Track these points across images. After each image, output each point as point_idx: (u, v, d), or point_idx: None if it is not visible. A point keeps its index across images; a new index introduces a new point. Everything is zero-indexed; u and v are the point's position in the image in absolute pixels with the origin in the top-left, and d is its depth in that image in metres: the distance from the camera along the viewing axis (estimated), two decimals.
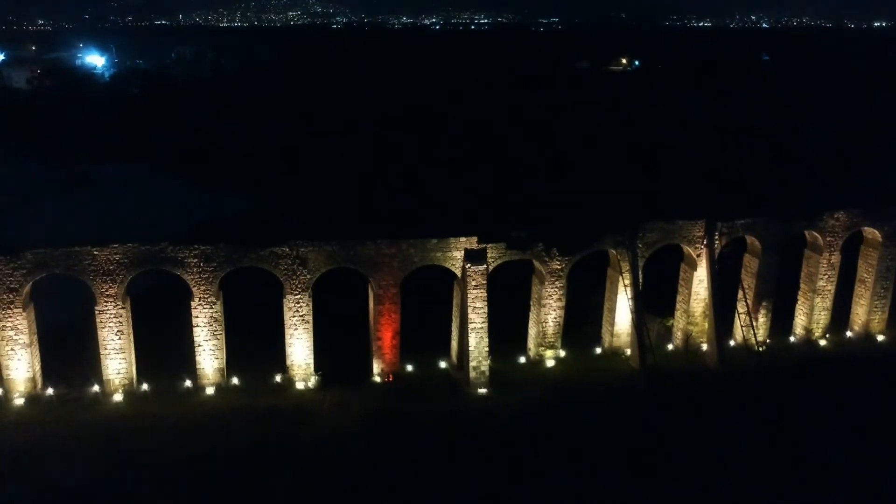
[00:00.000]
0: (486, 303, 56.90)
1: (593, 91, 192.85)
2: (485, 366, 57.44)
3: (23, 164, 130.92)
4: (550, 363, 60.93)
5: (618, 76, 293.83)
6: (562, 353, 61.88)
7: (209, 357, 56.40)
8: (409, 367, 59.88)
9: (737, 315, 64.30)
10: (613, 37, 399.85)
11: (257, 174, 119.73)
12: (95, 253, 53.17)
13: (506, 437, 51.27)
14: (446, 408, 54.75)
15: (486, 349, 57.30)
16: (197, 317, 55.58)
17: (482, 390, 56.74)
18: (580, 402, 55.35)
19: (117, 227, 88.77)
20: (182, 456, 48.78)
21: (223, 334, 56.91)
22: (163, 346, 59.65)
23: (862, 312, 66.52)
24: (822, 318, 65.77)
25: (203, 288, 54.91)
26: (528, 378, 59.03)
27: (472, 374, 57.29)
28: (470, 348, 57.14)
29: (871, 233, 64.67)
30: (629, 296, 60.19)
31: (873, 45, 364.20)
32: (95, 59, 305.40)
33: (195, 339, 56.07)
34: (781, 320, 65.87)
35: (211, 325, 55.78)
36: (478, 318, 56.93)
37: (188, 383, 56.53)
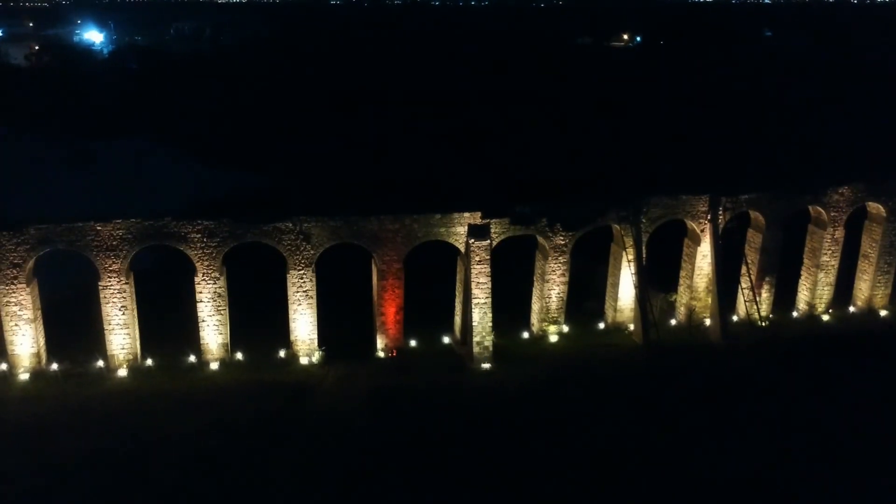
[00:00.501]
0: (489, 278, 56.85)
1: (596, 67, 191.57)
2: (488, 341, 57.48)
3: (24, 141, 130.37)
4: (554, 338, 60.99)
5: (619, 52, 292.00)
6: (565, 329, 61.93)
7: (213, 332, 56.42)
8: (413, 343, 59.94)
9: (740, 290, 64.28)
10: (614, 12, 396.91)
11: (260, 150, 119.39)
12: (98, 228, 53.03)
13: (509, 413, 51.41)
14: (450, 383, 54.87)
15: (490, 324, 57.31)
16: (201, 292, 55.54)
17: (486, 365, 56.83)
18: (583, 378, 55.47)
19: (120, 202, 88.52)
20: (186, 430, 48.98)
21: (227, 310, 56.89)
22: (167, 321, 59.66)
23: (865, 288, 66.53)
24: (825, 293, 65.75)
25: (206, 263, 54.83)
26: (532, 353, 59.11)
27: (476, 350, 57.35)
28: (473, 324, 57.16)
29: (876, 208, 64.53)
30: (633, 271, 60.14)
31: (877, 18, 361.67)
32: (94, 36, 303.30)
33: (199, 314, 56.07)
34: (784, 295, 65.89)
35: (214, 301, 55.76)
36: (481, 294, 56.90)
37: (192, 358, 56.59)
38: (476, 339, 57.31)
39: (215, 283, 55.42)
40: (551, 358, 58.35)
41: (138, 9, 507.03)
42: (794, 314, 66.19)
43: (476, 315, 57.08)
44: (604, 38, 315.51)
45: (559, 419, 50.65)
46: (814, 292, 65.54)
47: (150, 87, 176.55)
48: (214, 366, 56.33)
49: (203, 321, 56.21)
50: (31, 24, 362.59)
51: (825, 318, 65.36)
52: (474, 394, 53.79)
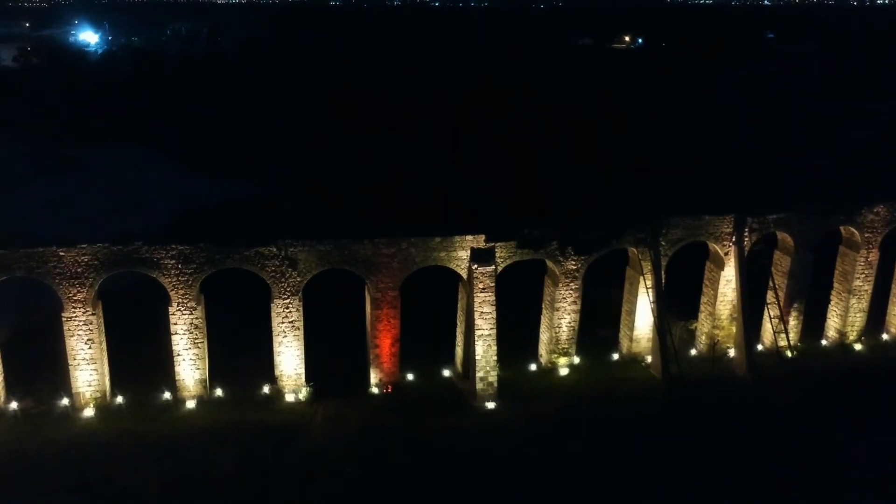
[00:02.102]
0: (494, 307, 51.73)
1: (602, 72, 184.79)
2: (493, 376, 52.32)
3: (6, 147, 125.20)
4: (564, 371, 55.85)
5: (621, 54, 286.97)
6: (576, 360, 56.79)
7: (190, 367, 51.27)
8: (410, 376, 54.84)
9: (766, 318, 59.21)
10: (615, 13, 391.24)
11: (253, 160, 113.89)
12: (61, 254, 47.85)
13: (516, 460, 46.26)
14: (451, 425, 49.66)
15: (494, 359, 52.16)
16: (175, 323, 50.39)
17: (490, 404, 51.65)
18: (597, 419, 50.27)
19: (102, 215, 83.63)
20: (159, 481, 43.83)
21: (205, 342, 51.77)
22: (141, 352, 54.55)
23: None
24: (857, 320, 60.59)
25: (182, 292, 49.66)
26: (540, 389, 53.96)
27: (480, 386, 52.19)
28: (477, 357, 51.99)
29: None
30: (651, 298, 54.99)
31: (877, 21, 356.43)
32: (89, 37, 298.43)
33: (174, 347, 50.92)
34: (812, 322, 60.82)
35: (191, 333, 50.60)
36: (485, 325, 51.74)
37: (167, 395, 51.44)
38: (479, 374, 52.16)
39: (191, 314, 50.25)
40: (561, 395, 53.16)
41: (137, 9, 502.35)
42: (823, 342, 61.04)
43: (479, 348, 51.92)
44: (605, 40, 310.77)
45: (569, 470, 45.41)
46: (845, 319, 60.38)
47: (142, 91, 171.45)
48: (191, 404, 51.15)
49: (178, 355, 51.05)
50: (27, 25, 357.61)
51: (857, 347, 60.13)
52: (477, 438, 48.57)
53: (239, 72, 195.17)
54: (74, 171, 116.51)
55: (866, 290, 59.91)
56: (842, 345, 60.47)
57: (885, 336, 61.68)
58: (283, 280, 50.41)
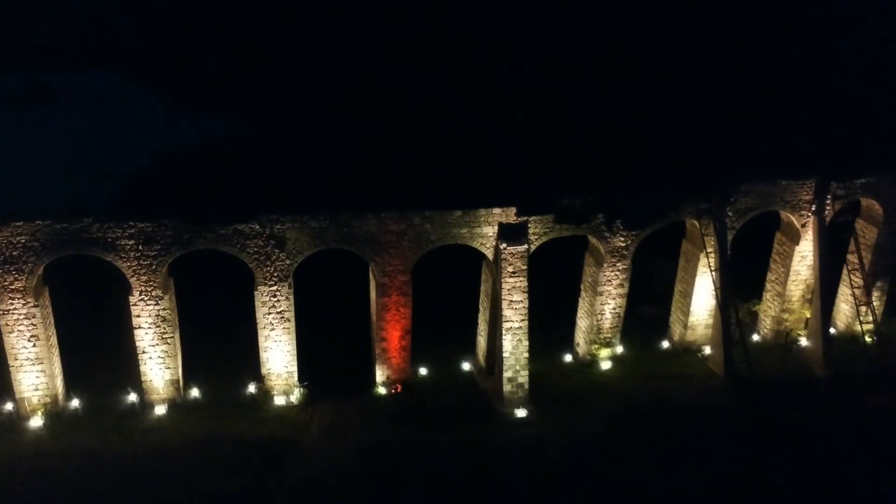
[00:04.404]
0: (526, 295, 42.48)
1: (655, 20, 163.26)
2: (523, 377, 43.48)
3: None
4: (606, 365, 47.04)
5: None
6: (619, 350, 47.89)
7: (158, 367, 42.40)
8: (423, 371, 46.14)
9: (843, 297, 50.19)
10: None
11: (249, 92, 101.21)
12: None
13: (551, 489, 37.58)
14: (472, 440, 40.81)
15: (526, 356, 43.23)
16: (138, 316, 41.33)
17: (521, 412, 42.87)
18: (650, 431, 41.43)
19: (64, 169, 73.38)
20: None
21: (176, 337, 42.86)
22: (102, 350, 45.59)
23: None
24: None
25: (145, 278, 40.40)
26: (579, 389, 45.13)
27: (508, 388, 43.41)
28: (504, 354, 43.06)
29: None
30: (714, 278, 45.71)
31: None
32: None
33: (138, 344, 41.96)
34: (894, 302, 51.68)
35: (158, 327, 41.57)
36: (515, 317, 42.60)
37: (133, 398, 42.75)
38: (507, 374, 43.32)
39: (157, 304, 41.11)
40: (605, 398, 44.31)
41: None
42: None
43: (508, 344, 42.91)
44: None
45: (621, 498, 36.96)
46: None
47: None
48: (161, 410, 42.51)
49: (143, 353, 42.14)
50: None
51: None
52: (504, 456, 39.89)
53: None
54: (49, 103, 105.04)
55: None
56: None
57: None
58: (268, 263, 41.12)
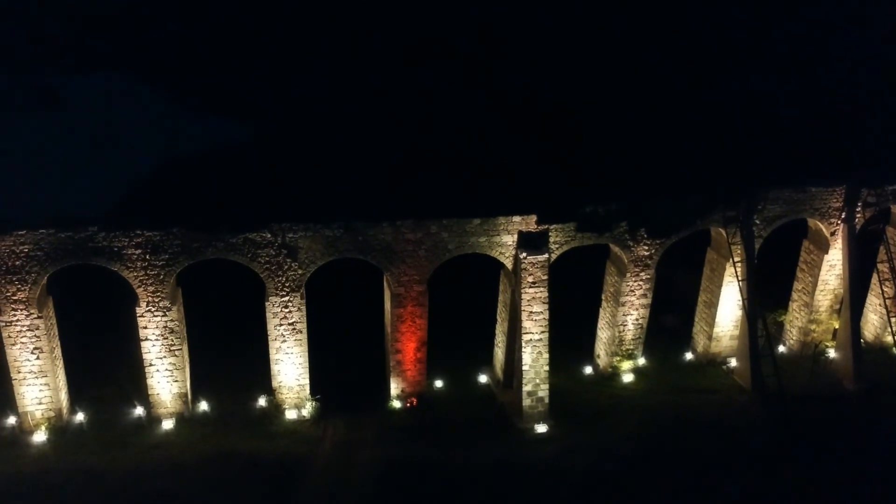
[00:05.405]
0: (546, 306, 40.95)
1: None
2: (543, 391, 41.97)
3: None
4: (628, 378, 45.48)
5: None
6: (641, 361, 46.34)
7: (165, 380, 40.97)
8: (439, 384, 44.69)
9: (872, 307, 48.66)
10: None
11: (258, 95, 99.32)
12: None
13: None
14: (490, 458, 39.20)
15: (546, 369, 41.70)
16: (145, 327, 39.89)
17: (541, 428, 41.32)
18: (676, 447, 39.83)
19: (75, 170, 72.45)
20: None
21: (184, 348, 41.40)
22: (108, 362, 44.20)
23: None
24: None
25: (152, 289, 38.97)
26: (601, 403, 43.58)
27: (527, 403, 41.88)
28: (524, 368, 41.51)
29: None
30: (741, 288, 44.15)
31: None
32: None
33: (145, 356, 40.52)
34: None
35: (165, 339, 40.16)
36: (535, 329, 41.07)
37: (140, 412, 41.36)
38: (527, 387, 41.80)
39: (165, 315, 39.68)
40: (628, 412, 42.75)
41: None
42: None
43: (528, 356, 41.40)
44: None
45: None
46: None
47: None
48: (168, 424, 41.07)
49: (150, 365, 40.69)
50: None
51: None
52: (524, 474, 38.30)
53: None
54: (57, 107, 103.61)
55: None
56: None
57: None
58: (280, 273, 39.65)
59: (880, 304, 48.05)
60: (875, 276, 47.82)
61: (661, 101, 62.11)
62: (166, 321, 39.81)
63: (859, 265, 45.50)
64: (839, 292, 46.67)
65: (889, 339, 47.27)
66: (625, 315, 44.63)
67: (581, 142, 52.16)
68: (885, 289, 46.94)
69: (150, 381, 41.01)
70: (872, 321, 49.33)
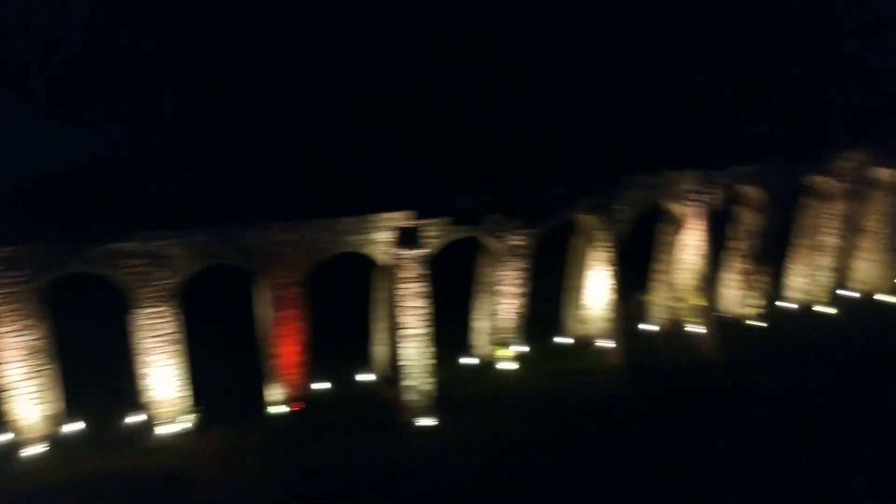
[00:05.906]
0: (427, 300, 41.35)
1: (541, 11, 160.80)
2: (427, 384, 42.30)
3: None
4: (507, 365, 46.48)
5: None
6: (519, 348, 47.47)
7: (30, 403, 38.72)
8: (322, 386, 44.20)
9: (730, 282, 51.71)
10: None
11: (122, 104, 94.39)
12: None
13: (464, 496, 36.63)
14: (378, 455, 39.19)
15: (429, 363, 42.12)
16: (2, 350, 37.53)
17: (426, 421, 41.68)
18: (560, 434, 40.97)
19: None
20: None
21: (53, 368, 39.23)
22: None
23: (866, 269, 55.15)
24: (823, 278, 53.81)
25: (9, 307, 36.74)
26: (484, 393, 44.35)
27: (411, 398, 42.13)
28: (406, 363, 41.76)
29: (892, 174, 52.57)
30: (608, 272, 45.97)
31: None
32: None
33: (2, 380, 38.14)
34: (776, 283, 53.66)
35: (30, 359, 37.92)
36: (416, 322, 41.37)
37: (5, 438, 38.97)
38: (410, 382, 42.05)
39: (26, 336, 37.50)
40: (509, 399, 43.73)
41: None
42: (789, 305, 54.02)
43: (409, 351, 41.66)
44: None
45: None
46: (812, 279, 53.50)
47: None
48: (36, 449, 38.83)
49: (11, 389, 38.33)
50: None
51: (829, 310, 53.30)
52: (413, 470, 38.48)
53: None
54: None
55: (835, 246, 52.95)
56: (808, 307, 53.69)
57: (855, 294, 55.18)
58: (147, 284, 38.20)
59: (737, 280, 51.02)
60: (730, 253, 50.76)
61: (528, 96, 63.71)
62: (30, 341, 37.62)
63: (714, 244, 48.20)
64: (698, 270, 49.26)
65: (746, 312, 50.31)
66: (501, 304, 45.56)
67: (453, 138, 52.79)
68: (740, 265, 49.93)
69: (10, 407, 38.59)
70: (730, 296, 52.30)
